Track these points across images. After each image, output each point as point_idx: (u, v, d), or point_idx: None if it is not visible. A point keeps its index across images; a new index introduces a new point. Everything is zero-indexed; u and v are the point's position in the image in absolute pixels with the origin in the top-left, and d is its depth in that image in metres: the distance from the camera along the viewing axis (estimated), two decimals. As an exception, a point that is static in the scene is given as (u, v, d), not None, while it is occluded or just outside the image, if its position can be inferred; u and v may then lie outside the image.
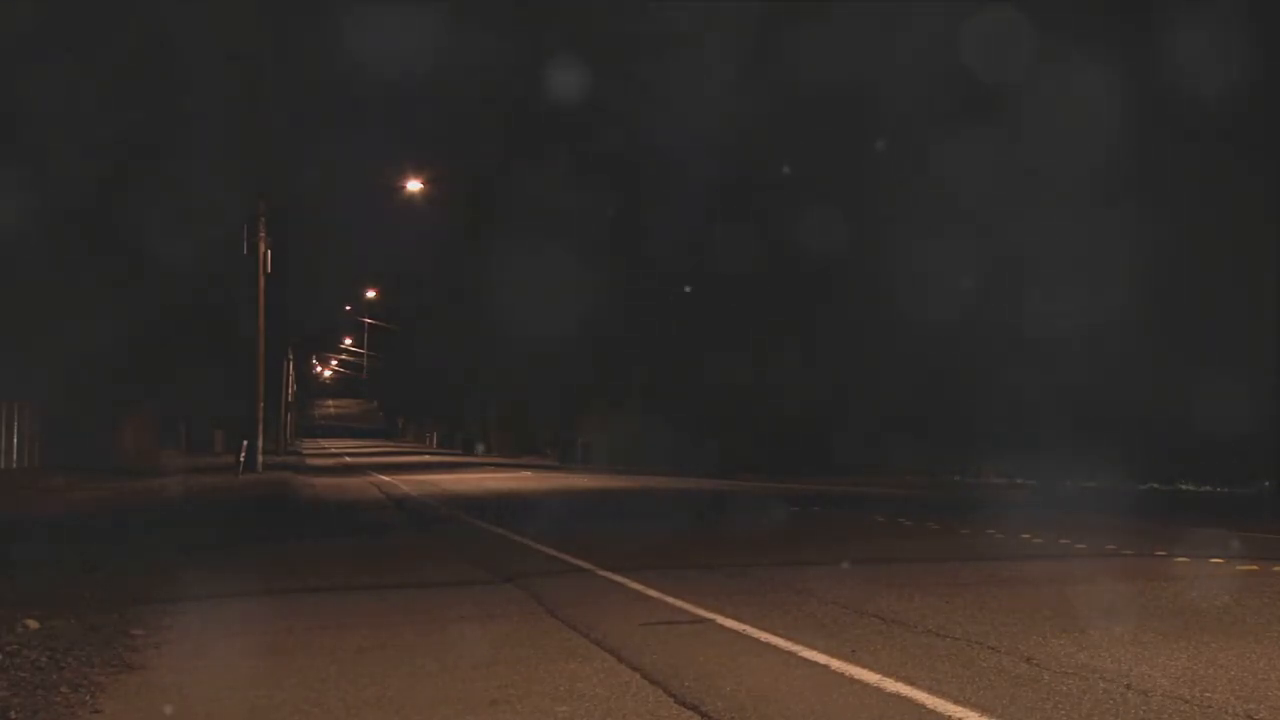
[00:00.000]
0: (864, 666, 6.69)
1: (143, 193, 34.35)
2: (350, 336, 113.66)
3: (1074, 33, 24.90)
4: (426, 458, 58.31)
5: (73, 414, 35.49)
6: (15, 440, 31.47)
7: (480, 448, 66.49)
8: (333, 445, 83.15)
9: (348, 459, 55.72)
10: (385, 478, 34.24)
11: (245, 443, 34.47)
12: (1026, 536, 14.10)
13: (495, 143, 53.60)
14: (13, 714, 5.96)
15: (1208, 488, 23.33)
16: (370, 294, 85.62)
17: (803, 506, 20.04)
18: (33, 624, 8.20)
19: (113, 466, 34.38)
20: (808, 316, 34.34)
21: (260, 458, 35.10)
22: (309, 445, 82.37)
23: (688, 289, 40.74)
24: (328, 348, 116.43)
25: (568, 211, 46.16)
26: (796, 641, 7.43)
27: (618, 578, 10.64)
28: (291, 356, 69.65)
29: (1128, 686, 6.20)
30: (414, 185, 44.05)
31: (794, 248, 34.13)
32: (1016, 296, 25.85)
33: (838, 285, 33.75)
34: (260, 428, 36.05)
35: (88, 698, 6.34)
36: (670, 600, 9.23)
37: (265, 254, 35.63)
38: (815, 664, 6.86)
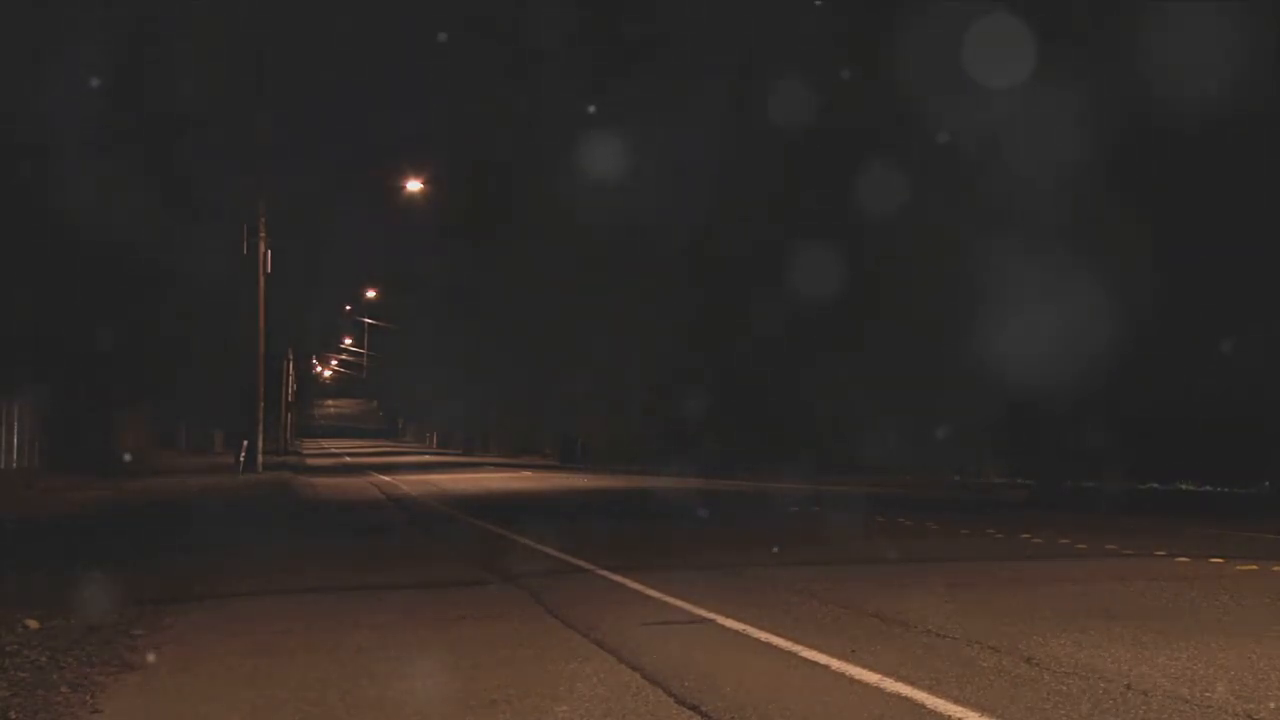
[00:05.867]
0: (864, 666, 6.69)
1: (142, 190, 34.36)
2: (350, 336, 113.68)
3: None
4: (427, 458, 58.35)
5: (73, 414, 35.50)
6: (15, 440, 31.46)
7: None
8: (333, 445, 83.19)
9: (348, 459, 55.76)
10: (385, 478, 34.25)
11: (245, 443, 34.49)
12: (1026, 536, 14.11)
13: (497, 138, 53.66)
14: (13, 714, 5.96)
15: (1208, 487, 23.32)
16: (370, 294, 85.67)
17: (802, 506, 20.05)
18: (33, 624, 8.20)
19: (112, 467, 34.39)
20: (808, 314, 34.33)
21: (260, 458, 35.11)
22: (309, 445, 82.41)
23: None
24: (328, 348, 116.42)
25: (567, 205, 46.20)
26: (796, 641, 7.43)
27: (618, 578, 10.65)
28: (291, 356, 69.62)
29: (1128, 686, 6.21)
30: (414, 185, 44.11)
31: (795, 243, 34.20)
32: (1015, 297, 25.85)
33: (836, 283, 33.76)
34: (260, 428, 36.05)
35: (88, 698, 6.34)
36: (670, 600, 9.23)
37: (265, 254, 35.65)
38: (815, 664, 6.86)
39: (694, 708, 5.90)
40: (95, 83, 30.71)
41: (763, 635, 7.70)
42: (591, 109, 42.77)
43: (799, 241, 33.98)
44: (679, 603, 9.08)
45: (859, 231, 31.01)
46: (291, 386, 72.62)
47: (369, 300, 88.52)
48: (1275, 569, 10.87)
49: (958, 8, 26.21)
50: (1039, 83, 25.13)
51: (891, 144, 30.28)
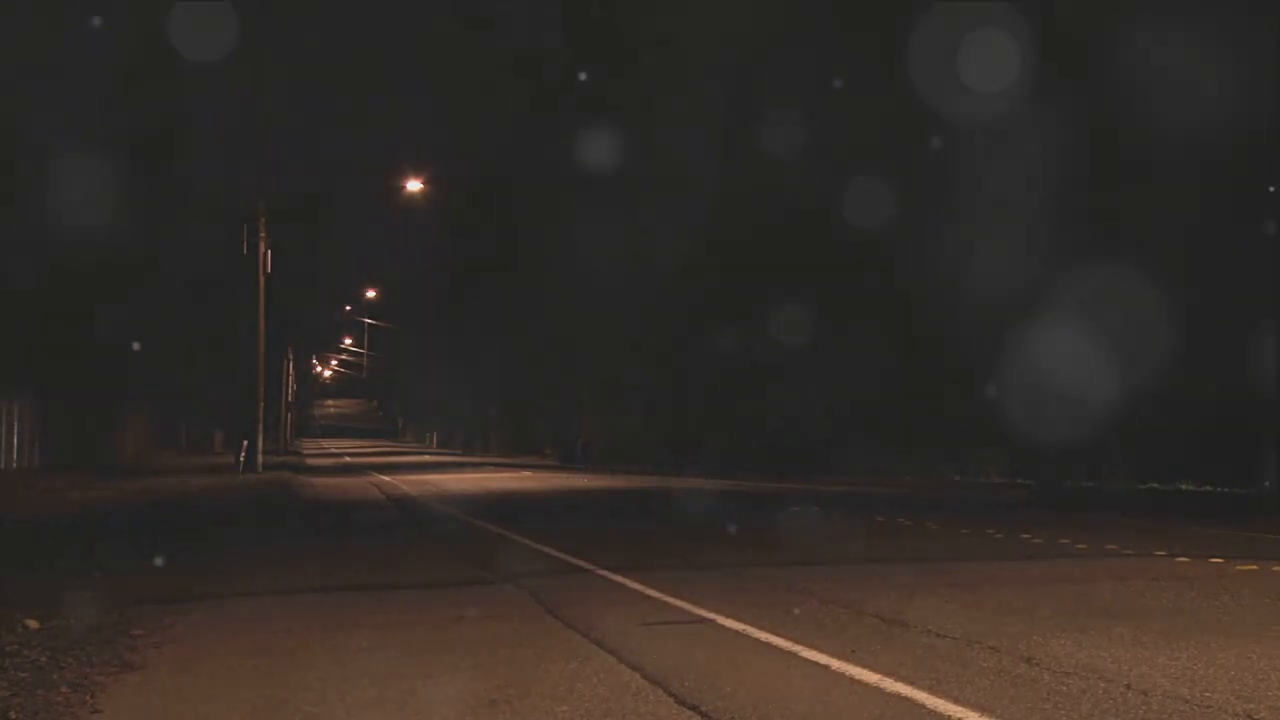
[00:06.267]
0: (864, 666, 6.69)
1: (142, 190, 34.39)
2: (350, 336, 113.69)
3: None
4: (426, 458, 58.34)
5: (73, 414, 35.51)
6: (15, 440, 31.46)
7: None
8: (333, 445, 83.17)
9: (348, 459, 55.73)
10: (385, 478, 34.24)
11: (245, 443, 34.46)
12: (1026, 536, 14.10)
13: (498, 138, 53.71)
14: (13, 714, 5.96)
15: (1208, 487, 23.32)
16: (370, 294, 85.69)
17: (802, 506, 20.04)
18: (33, 624, 8.20)
19: (112, 467, 34.39)
20: (809, 314, 34.34)
21: (260, 458, 35.08)
22: (309, 445, 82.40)
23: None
24: (328, 348, 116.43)
25: (568, 207, 46.22)
26: (796, 641, 7.43)
27: (617, 578, 10.64)
28: (291, 356, 69.63)
29: (1128, 686, 6.21)
30: (414, 185, 44.11)
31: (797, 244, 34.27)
32: (1014, 295, 25.87)
33: (839, 284, 33.81)
34: (260, 427, 36.03)
35: (88, 698, 6.34)
36: (670, 600, 9.23)
37: (265, 254, 35.64)
38: (815, 664, 6.86)
39: (694, 708, 5.90)
40: (95, 82, 30.74)
41: (763, 635, 7.70)
42: (591, 96, 42.78)
43: (799, 243, 34.03)
44: (679, 603, 9.08)
45: (858, 236, 31.05)
46: (291, 386, 72.63)
47: (369, 300, 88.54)
48: (1275, 569, 10.87)
49: (955, 11, 26.24)
50: (1034, 94, 25.22)
51: (892, 150, 30.32)
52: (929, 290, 29.49)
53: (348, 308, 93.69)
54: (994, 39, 25.26)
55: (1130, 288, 23.07)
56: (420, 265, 71.80)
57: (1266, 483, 22.58)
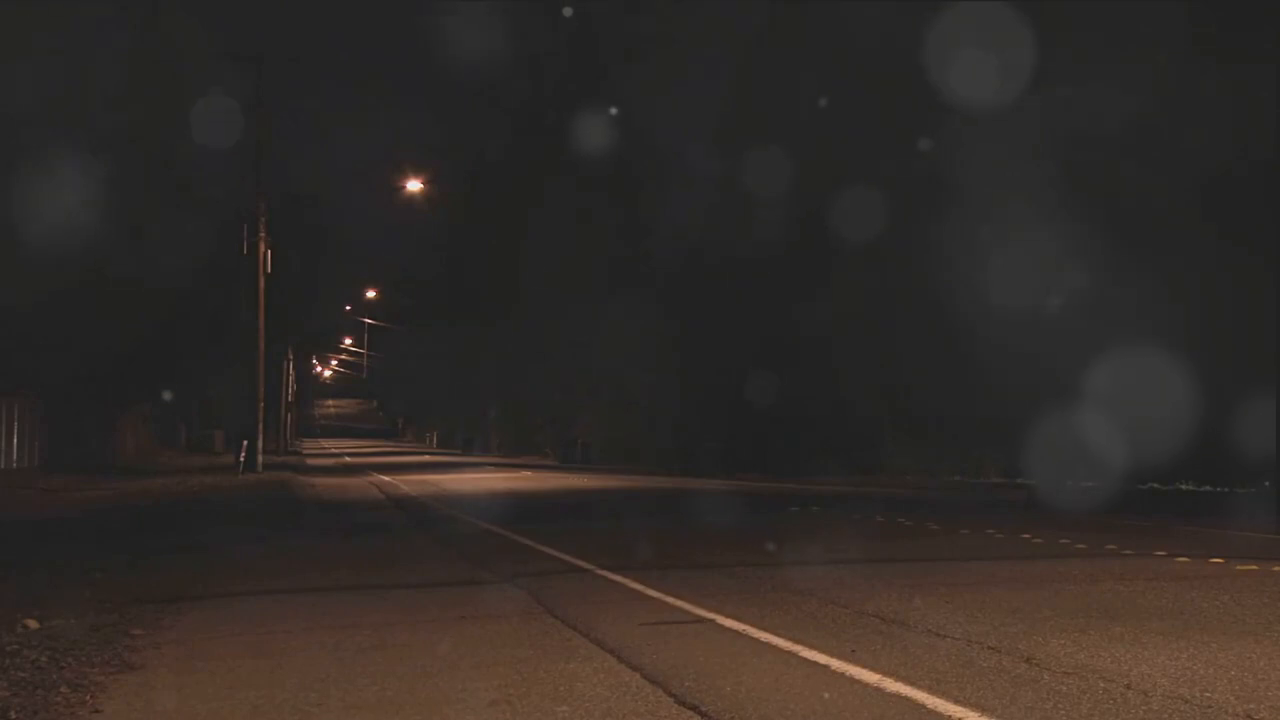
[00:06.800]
0: (864, 666, 6.69)
1: (142, 189, 34.40)
2: (350, 336, 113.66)
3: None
4: (426, 458, 58.31)
5: (73, 414, 35.51)
6: (15, 440, 31.46)
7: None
8: (333, 445, 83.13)
9: (348, 459, 55.70)
10: (385, 478, 34.23)
11: (245, 443, 34.45)
12: (1026, 536, 14.10)
13: (497, 139, 53.76)
14: (13, 714, 5.96)
15: (1208, 488, 23.30)
16: (370, 294, 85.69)
17: (802, 506, 20.04)
18: (33, 624, 8.21)
19: (112, 466, 34.40)
20: (808, 314, 34.31)
21: (260, 458, 35.09)
22: (309, 445, 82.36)
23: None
24: (328, 348, 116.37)
25: (567, 207, 46.21)
26: (796, 641, 7.43)
27: (617, 578, 10.65)
28: (291, 356, 69.61)
29: (1128, 686, 6.21)
30: (414, 185, 44.13)
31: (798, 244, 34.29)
32: (1018, 292, 25.86)
33: (841, 284, 33.79)
34: (260, 428, 36.03)
35: (88, 698, 6.34)
36: (670, 600, 9.23)
37: (265, 254, 35.63)
38: (815, 664, 6.86)
39: (694, 708, 5.90)
40: (94, 82, 30.76)
41: (762, 635, 7.70)
42: (590, 96, 42.74)
43: (800, 245, 34.03)
44: (678, 602, 9.08)
45: (857, 240, 31.07)
46: (292, 386, 72.62)
47: (369, 300, 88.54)
48: (1275, 569, 10.86)
49: (955, 14, 26.25)
50: (1030, 103, 25.28)
51: (889, 154, 30.32)
52: (928, 292, 29.49)
53: (348, 308, 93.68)
54: (994, 44, 25.29)
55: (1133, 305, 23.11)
56: (420, 265, 71.82)
57: (1266, 483, 22.57)
